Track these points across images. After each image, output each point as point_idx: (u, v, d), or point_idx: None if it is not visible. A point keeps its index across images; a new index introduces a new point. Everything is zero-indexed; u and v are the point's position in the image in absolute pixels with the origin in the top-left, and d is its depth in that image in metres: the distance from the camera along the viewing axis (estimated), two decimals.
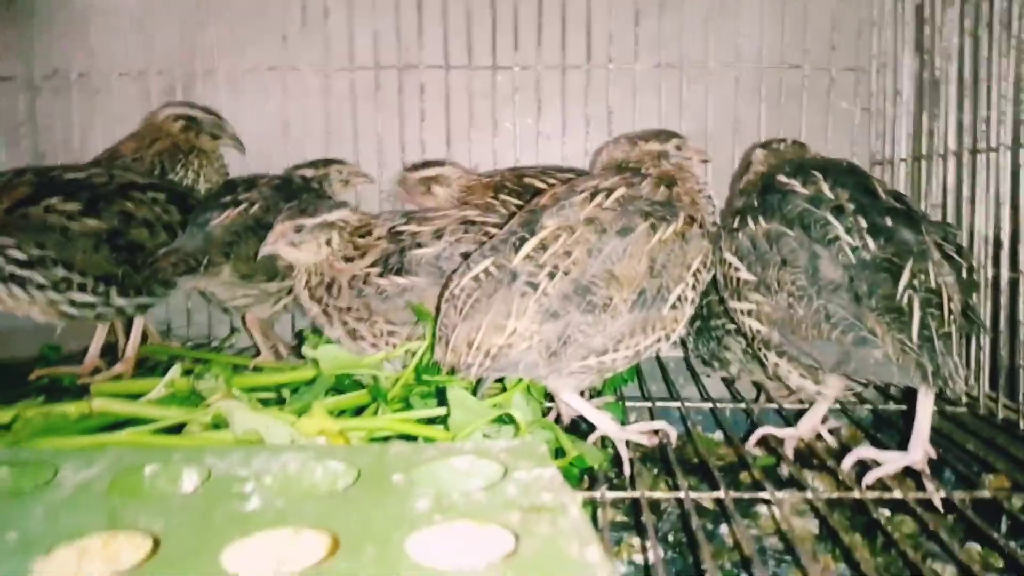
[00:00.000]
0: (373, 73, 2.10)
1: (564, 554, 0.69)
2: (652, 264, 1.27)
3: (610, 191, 1.31)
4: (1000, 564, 1.23)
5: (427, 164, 1.92)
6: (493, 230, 1.53)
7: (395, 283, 1.49)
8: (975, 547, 1.31)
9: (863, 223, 1.25)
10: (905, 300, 1.18)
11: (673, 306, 1.30)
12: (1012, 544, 1.03)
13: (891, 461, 1.25)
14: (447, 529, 0.76)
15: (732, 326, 1.63)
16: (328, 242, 1.54)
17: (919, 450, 1.24)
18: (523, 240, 1.28)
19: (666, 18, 2.05)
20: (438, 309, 1.39)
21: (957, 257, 1.42)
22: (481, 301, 1.26)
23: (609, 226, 1.27)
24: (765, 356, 1.39)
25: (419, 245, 1.52)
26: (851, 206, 1.28)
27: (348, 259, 1.53)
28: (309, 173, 2.00)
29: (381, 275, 1.50)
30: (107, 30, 2.14)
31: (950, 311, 1.20)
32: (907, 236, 1.24)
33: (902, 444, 1.41)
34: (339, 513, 0.78)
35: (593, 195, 1.31)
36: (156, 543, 0.73)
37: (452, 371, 1.31)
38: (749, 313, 1.36)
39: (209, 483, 0.87)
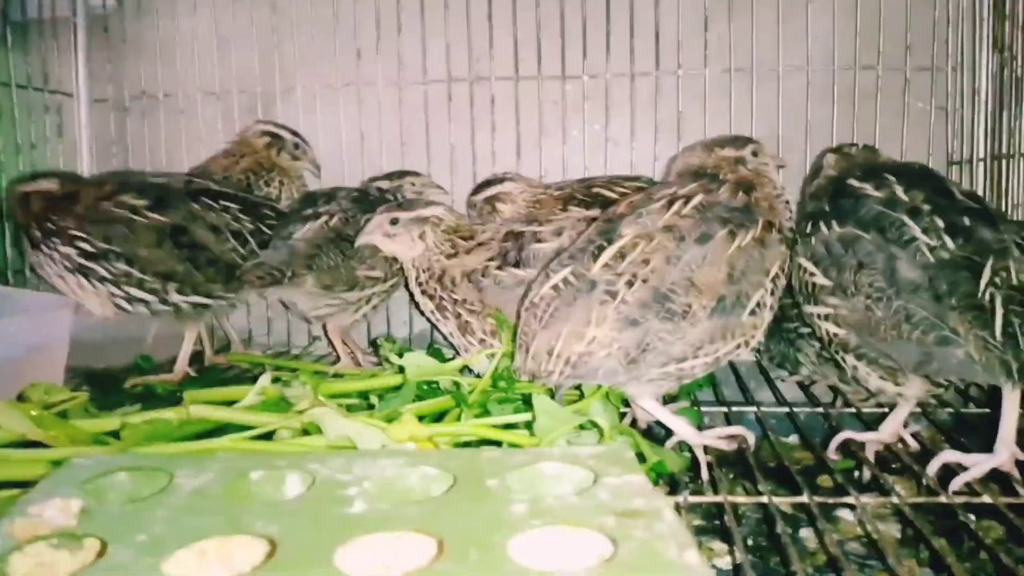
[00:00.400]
0: (445, 85, 2.15)
1: (663, 557, 0.71)
2: (731, 271, 1.28)
3: (688, 198, 1.33)
4: None
5: (488, 183, 1.95)
6: None
7: (514, 275, 1.56)
8: None
9: (940, 223, 1.24)
10: (987, 298, 1.17)
11: (752, 312, 1.30)
12: None
13: (977, 464, 1.23)
14: (545, 533, 0.79)
15: (805, 329, 1.63)
16: (421, 236, 1.63)
17: (1006, 451, 1.22)
18: (601, 249, 1.30)
19: (736, 23, 2.05)
20: (518, 317, 1.43)
21: None
22: (560, 310, 1.29)
23: (688, 233, 1.29)
24: (843, 359, 1.39)
25: (539, 241, 1.58)
26: (927, 207, 1.27)
27: (451, 255, 1.62)
28: (385, 185, 2.06)
29: (500, 268, 1.57)
30: (191, 52, 2.25)
31: None
32: (986, 235, 1.23)
33: (985, 447, 1.39)
34: (440, 516, 0.82)
35: (671, 202, 1.33)
36: (271, 546, 0.78)
37: (532, 378, 1.35)
38: (826, 317, 1.35)
39: (314, 488, 0.91)
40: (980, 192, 1.91)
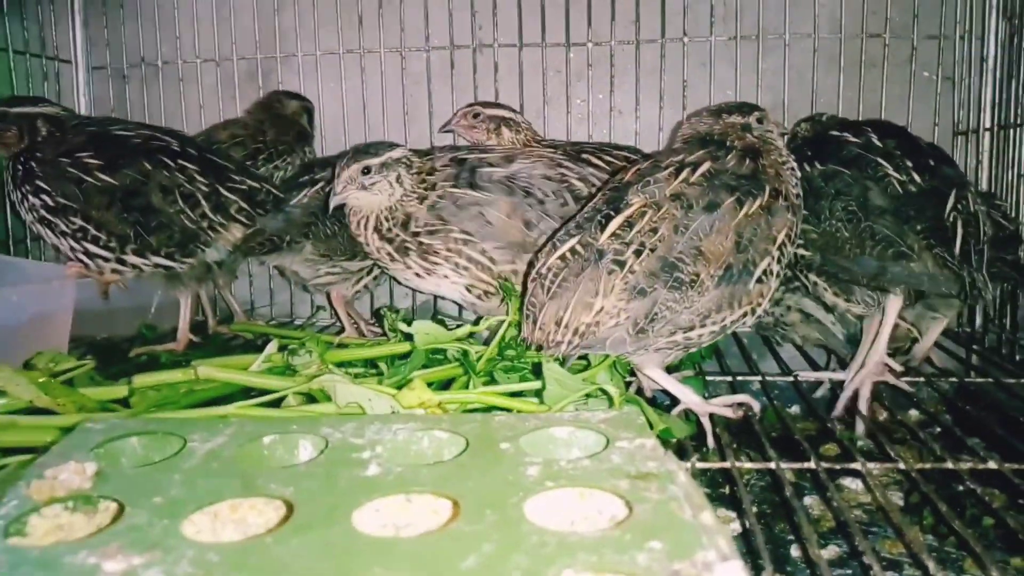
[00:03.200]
0: (448, 52, 2.13)
1: (678, 518, 0.71)
2: (739, 239, 1.28)
3: (696, 166, 1.32)
4: None
5: (504, 107, 1.94)
6: (565, 161, 1.61)
7: (470, 195, 1.55)
8: None
9: (909, 163, 1.45)
10: (950, 220, 1.39)
11: (759, 280, 1.30)
12: None
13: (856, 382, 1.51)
14: (560, 495, 0.79)
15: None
16: (398, 179, 1.56)
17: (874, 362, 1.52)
18: (609, 218, 1.29)
19: None
20: (524, 287, 1.42)
21: (1002, 221, 1.67)
22: (568, 280, 1.28)
23: (696, 202, 1.28)
24: (807, 277, 1.59)
25: (489, 165, 1.58)
26: (898, 152, 1.48)
27: (421, 199, 1.58)
28: None
29: (455, 187, 1.56)
30: (190, 19, 2.22)
31: (984, 233, 1.43)
32: (949, 172, 1.47)
33: (986, 414, 1.41)
34: (455, 479, 0.82)
35: (678, 170, 1.32)
36: (288, 507, 0.78)
37: (539, 348, 1.34)
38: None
39: (328, 452, 0.92)
40: (985, 162, 1.91)
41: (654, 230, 1.26)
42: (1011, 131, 1.79)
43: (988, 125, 1.89)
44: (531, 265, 1.41)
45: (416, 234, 1.57)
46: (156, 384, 1.35)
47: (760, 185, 1.32)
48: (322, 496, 0.79)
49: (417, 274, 1.62)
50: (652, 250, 1.25)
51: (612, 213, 1.30)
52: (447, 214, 1.56)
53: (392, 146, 1.59)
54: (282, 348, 1.48)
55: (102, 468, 0.88)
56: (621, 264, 1.25)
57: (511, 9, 2.09)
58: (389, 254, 1.61)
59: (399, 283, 1.75)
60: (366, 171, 1.54)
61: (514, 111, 1.92)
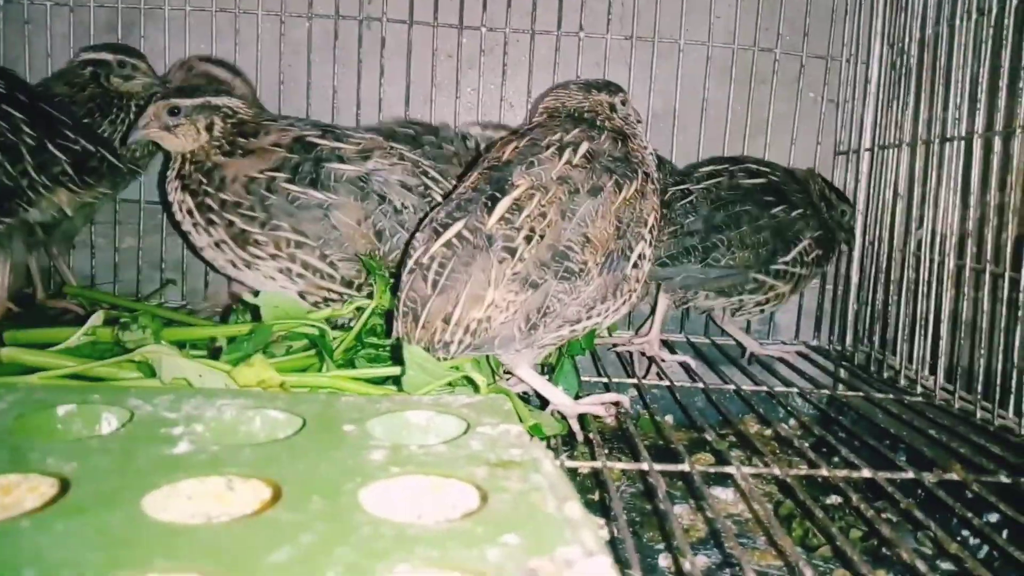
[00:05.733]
0: (332, 22, 1.98)
1: (540, 510, 0.61)
2: (619, 224, 1.20)
3: (575, 146, 1.23)
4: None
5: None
6: (431, 171, 1.51)
7: (311, 196, 1.39)
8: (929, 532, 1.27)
9: None
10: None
11: (635, 265, 1.23)
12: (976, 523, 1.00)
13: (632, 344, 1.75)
14: (405, 482, 0.68)
15: None
16: (209, 127, 1.42)
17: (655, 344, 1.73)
18: (495, 200, 1.16)
19: None
20: (397, 277, 1.28)
21: None
22: (457, 271, 1.13)
23: (581, 185, 1.19)
24: None
25: (340, 160, 1.43)
26: None
27: (227, 153, 1.42)
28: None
29: (291, 182, 1.39)
30: None
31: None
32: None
33: (856, 425, 1.39)
34: (281, 461, 0.69)
35: (560, 151, 1.23)
36: (64, 487, 0.63)
37: (426, 349, 1.19)
38: None
39: (131, 425, 0.77)
40: (864, 181, 1.94)
41: (543, 215, 1.15)
42: (889, 152, 1.81)
43: (868, 146, 1.92)
44: (406, 253, 1.25)
45: (225, 203, 1.39)
46: None
47: (633, 168, 1.27)
48: (110, 475, 0.65)
49: (232, 262, 1.44)
50: (542, 236, 1.14)
51: (498, 195, 1.17)
52: (278, 211, 1.38)
53: (219, 92, 1.47)
54: (113, 322, 1.30)
55: None
56: (512, 251, 1.12)
57: None
58: (190, 210, 1.42)
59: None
60: (174, 111, 1.42)
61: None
